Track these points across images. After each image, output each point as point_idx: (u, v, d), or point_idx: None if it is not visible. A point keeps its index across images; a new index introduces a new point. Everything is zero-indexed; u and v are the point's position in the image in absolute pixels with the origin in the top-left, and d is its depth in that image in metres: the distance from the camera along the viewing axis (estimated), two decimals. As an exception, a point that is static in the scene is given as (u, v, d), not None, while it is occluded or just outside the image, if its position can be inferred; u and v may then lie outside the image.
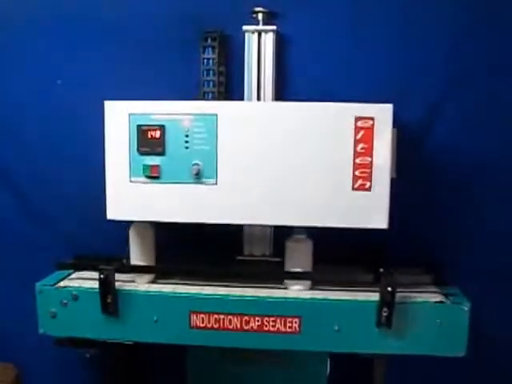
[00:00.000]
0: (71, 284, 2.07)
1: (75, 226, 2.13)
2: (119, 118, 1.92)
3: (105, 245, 2.20)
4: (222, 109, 1.90)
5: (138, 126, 1.91)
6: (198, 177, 1.90)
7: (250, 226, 2.16)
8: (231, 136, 1.90)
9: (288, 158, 1.89)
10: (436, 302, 1.94)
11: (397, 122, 1.91)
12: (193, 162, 1.90)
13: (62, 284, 2.06)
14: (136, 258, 2.08)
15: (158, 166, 1.92)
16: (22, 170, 2.39)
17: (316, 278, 2.05)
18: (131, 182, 1.94)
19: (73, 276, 2.16)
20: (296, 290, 2.03)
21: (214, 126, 1.89)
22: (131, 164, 1.93)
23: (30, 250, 2.13)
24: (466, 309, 1.90)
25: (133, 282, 2.08)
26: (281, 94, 2.22)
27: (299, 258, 2.05)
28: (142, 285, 2.07)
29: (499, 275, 2.27)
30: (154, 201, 1.94)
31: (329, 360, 2.16)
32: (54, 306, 2.01)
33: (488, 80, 2.20)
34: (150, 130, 1.91)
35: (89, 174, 2.10)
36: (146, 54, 2.26)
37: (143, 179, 1.93)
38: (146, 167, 1.92)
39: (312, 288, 2.04)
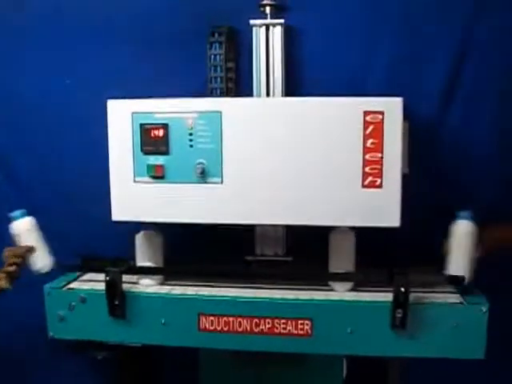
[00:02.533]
0: (79, 286, 2.05)
1: (82, 227, 2.10)
2: (122, 117, 1.89)
3: (113, 246, 2.19)
4: (226, 106, 1.85)
5: (141, 125, 1.88)
6: (203, 176, 1.86)
7: (261, 225, 2.11)
8: (236, 134, 1.85)
9: (295, 155, 1.84)
10: (452, 302, 1.87)
11: (411, 116, 1.85)
12: (197, 161, 1.86)
13: (69, 286, 2.05)
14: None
15: (162, 165, 1.88)
16: (29, 170, 2.39)
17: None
18: (135, 182, 1.91)
19: (81, 278, 2.14)
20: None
21: (219, 123, 1.84)
22: (135, 164, 1.90)
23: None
24: (485, 310, 1.82)
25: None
26: (291, 89, 2.16)
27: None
28: (149, 287, 2.03)
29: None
30: (159, 201, 1.91)
31: (345, 362, 2.10)
32: (62, 308, 1.99)
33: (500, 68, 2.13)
34: (153, 129, 1.87)
35: (95, 174, 2.07)
36: (152, 51, 2.23)
37: (147, 179, 1.90)
38: (149, 167, 1.89)
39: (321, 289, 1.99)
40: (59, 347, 2.15)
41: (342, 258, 1.98)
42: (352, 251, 1.98)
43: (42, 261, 2.02)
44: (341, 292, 1.97)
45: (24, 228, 2.04)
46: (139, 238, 2.04)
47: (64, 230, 2.20)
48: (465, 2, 2.11)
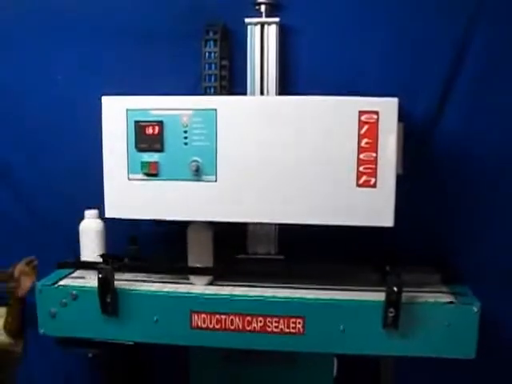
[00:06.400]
0: (71, 283, 2.04)
1: (76, 224, 2.09)
2: (117, 113, 1.88)
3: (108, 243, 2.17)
4: (221, 104, 1.85)
5: (136, 122, 1.87)
6: (198, 174, 1.86)
7: (253, 223, 2.11)
8: (231, 131, 1.85)
9: (290, 153, 1.83)
10: (444, 302, 1.88)
11: (405, 116, 1.86)
12: (192, 159, 1.86)
13: (61, 283, 2.04)
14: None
15: (156, 162, 1.87)
16: (21, 167, 2.38)
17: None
18: (129, 179, 1.90)
19: (73, 275, 2.13)
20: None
21: (214, 121, 1.84)
22: (129, 161, 1.89)
23: (31, 248, 2.11)
24: (476, 310, 1.83)
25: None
26: (285, 88, 2.17)
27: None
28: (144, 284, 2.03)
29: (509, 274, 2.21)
30: (153, 198, 1.90)
31: (336, 361, 2.11)
32: (53, 305, 1.98)
33: (495, 70, 2.14)
34: (147, 126, 1.86)
35: (89, 170, 2.05)
36: (146, 48, 2.24)
37: (141, 176, 1.89)
38: (144, 164, 1.88)
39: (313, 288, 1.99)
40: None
41: (201, 252, 2.02)
42: (210, 245, 2.02)
43: None
44: (200, 285, 2.02)
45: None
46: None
47: (59, 226, 2.19)
48: (464, 3, 2.12)
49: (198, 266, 2.03)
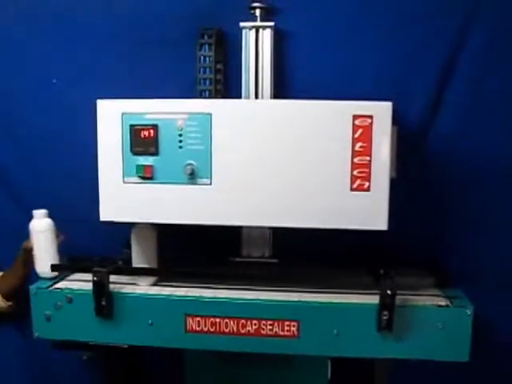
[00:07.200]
0: (65, 286, 2.04)
1: (72, 227, 2.10)
2: (112, 117, 1.88)
3: (102, 246, 2.18)
4: (217, 107, 1.85)
5: (131, 126, 1.87)
6: (192, 177, 1.86)
7: (247, 227, 2.12)
8: (226, 135, 1.85)
9: (284, 157, 1.84)
10: (438, 305, 1.89)
11: (398, 118, 1.87)
12: (186, 162, 1.86)
13: (56, 286, 2.04)
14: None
15: (151, 166, 1.88)
16: (17, 169, 2.38)
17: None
18: (124, 182, 1.90)
19: (68, 278, 2.13)
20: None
21: (209, 125, 1.84)
22: (124, 164, 1.89)
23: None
24: (469, 312, 1.85)
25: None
26: (279, 92, 2.17)
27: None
28: (138, 287, 2.03)
29: (504, 276, 2.22)
30: (148, 202, 1.90)
31: (330, 364, 2.11)
32: (48, 308, 1.98)
33: (491, 72, 2.15)
34: (143, 130, 1.86)
35: (84, 172, 2.06)
36: (142, 52, 2.23)
37: (136, 180, 1.89)
38: (139, 167, 1.88)
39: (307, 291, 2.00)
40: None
41: (145, 253, 2.05)
42: (154, 246, 2.05)
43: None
44: (144, 286, 2.04)
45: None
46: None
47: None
48: (461, 3, 2.13)
49: (143, 266, 2.05)
